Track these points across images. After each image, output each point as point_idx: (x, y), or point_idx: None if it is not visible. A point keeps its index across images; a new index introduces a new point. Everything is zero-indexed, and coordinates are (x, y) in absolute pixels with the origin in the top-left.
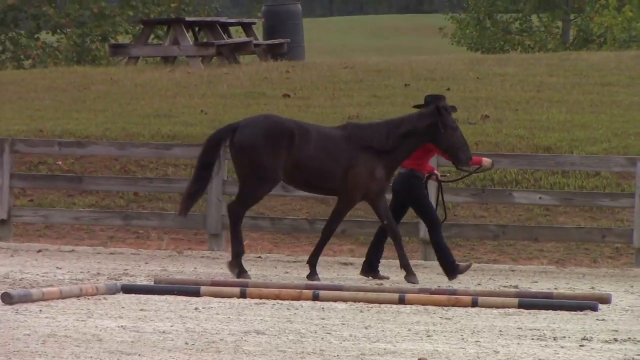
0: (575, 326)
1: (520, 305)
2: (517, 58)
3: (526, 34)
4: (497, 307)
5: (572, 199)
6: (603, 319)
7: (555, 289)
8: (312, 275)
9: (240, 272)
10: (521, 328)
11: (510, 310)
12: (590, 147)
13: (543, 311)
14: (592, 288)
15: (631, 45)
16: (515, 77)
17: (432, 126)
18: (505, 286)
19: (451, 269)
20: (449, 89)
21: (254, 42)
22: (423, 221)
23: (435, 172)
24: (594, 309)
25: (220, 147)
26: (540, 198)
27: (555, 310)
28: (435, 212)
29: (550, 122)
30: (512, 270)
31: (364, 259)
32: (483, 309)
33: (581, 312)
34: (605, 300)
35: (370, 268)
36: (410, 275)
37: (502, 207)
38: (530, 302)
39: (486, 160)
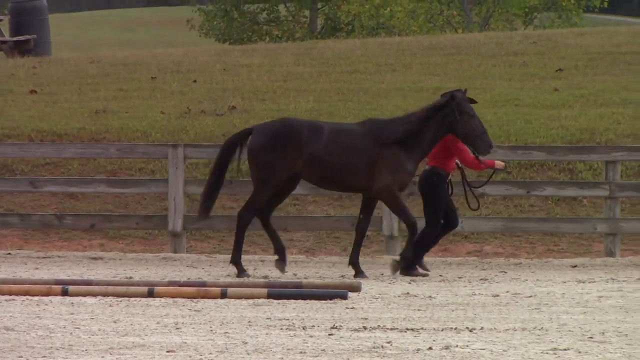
0: (325, 315)
1: (270, 296)
2: (264, 48)
3: (274, 24)
4: (246, 297)
5: (320, 188)
6: (353, 307)
7: (305, 278)
8: (360, 273)
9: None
10: (270, 318)
11: (260, 300)
12: None
13: (293, 301)
14: (342, 276)
15: (379, 32)
16: (262, 68)
17: (449, 114)
18: (255, 277)
19: (408, 266)
20: (195, 81)
21: (0, 39)
22: (426, 217)
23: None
24: (344, 297)
25: (235, 149)
26: None
27: (305, 299)
28: (441, 217)
29: (298, 111)
30: (262, 261)
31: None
32: (233, 300)
33: (331, 301)
34: (356, 288)
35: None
36: (402, 266)
37: None
38: (280, 292)
39: (499, 163)
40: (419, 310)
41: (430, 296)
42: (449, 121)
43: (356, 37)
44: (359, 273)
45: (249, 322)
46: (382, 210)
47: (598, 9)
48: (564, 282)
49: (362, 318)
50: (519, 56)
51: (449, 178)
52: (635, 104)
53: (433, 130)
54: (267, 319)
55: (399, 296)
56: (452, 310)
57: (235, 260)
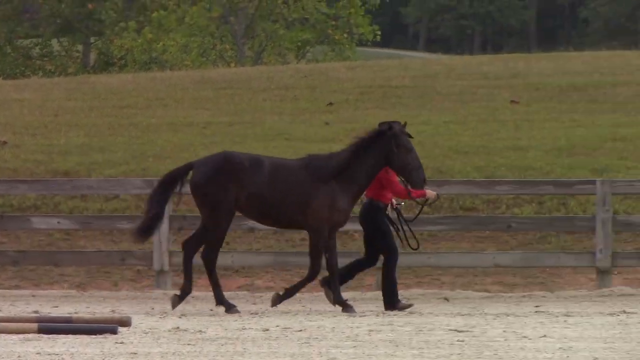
0: (95, 350)
1: (40, 330)
2: (36, 83)
3: (47, 58)
4: (16, 332)
5: (91, 223)
6: (122, 342)
7: (75, 313)
8: (348, 308)
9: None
10: (40, 353)
11: (30, 335)
12: (109, 169)
13: (63, 336)
14: (113, 311)
15: (152, 66)
16: (33, 102)
17: (386, 146)
18: (25, 312)
19: (391, 302)
20: None
21: None
22: (380, 250)
23: (393, 200)
24: (114, 332)
25: (175, 185)
26: (59, 222)
27: (75, 334)
28: (394, 243)
29: (69, 146)
30: (33, 296)
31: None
32: (2, 334)
33: (101, 336)
34: (125, 323)
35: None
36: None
37: (22, 232)
38: (50, 326)
39: (430, 193)
40: (188, 344)
41: (200, 330)
42: (385, 153)
43: (129, 71)
44: (346, 308)
45: (19, 356)
46: (152, 244)
47: (371, 43)
48: (335, 316)
49: (131, 353)
50: (290, 90)
51: (387, 211)
52: None
53: (371, 164)
54: (37, 354)
55: (169, 331)
56: (222, 345)
57: (221, 301)
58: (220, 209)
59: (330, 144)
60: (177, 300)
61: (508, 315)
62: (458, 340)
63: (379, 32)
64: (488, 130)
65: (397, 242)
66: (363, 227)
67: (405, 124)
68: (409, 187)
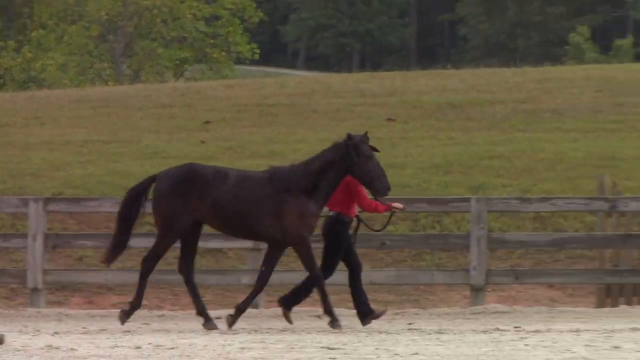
0: None
1: None
2: None
3: None
4: None
5: None
6: None
7: None
8: (334, 322)
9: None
10: None
11: None
12: None
13: None
14: None
15: (30, 85)
16: None
17: (346, 155)
18: None
19: (365, 314)
20: None
21: None
22: (322, 260)
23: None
24: None
25: (140, 200)
26: None
27: None
28: (357, 257)
29: None
30: None
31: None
32: None
33: None
34: None
35: (285, 303)
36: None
37: None
38: None
39: (397, 205)
40: None
41: (72, 348)
42: (347, 163)
43: (7, 90)
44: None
45: None
46: (26, 263)
47: (250, 61)
48: (207, 334)
49: None
50: (167, 108)
51: (352, 224)
52: (280, 155)
53: (333, 175)
54: None
55: (41, 348)
56: None
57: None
58: (173, 221)
59: (207, 161)
60: (208, 321)
61: (380, 333)
62: (329, 358)
63: (258, 51)
64: None
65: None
66: (325, 239)
67: (366, 133)
68: (373, 196)
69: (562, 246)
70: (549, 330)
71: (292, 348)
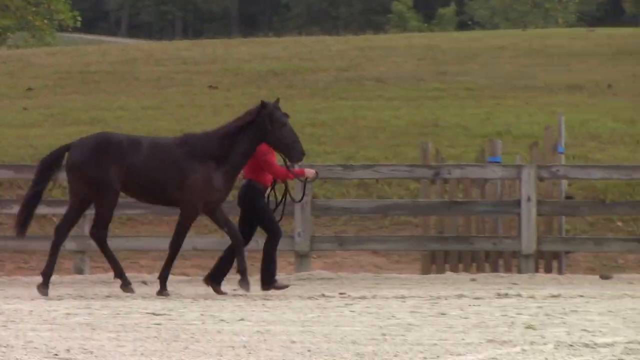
0: None
1: None
2: None
3: None
4: None
5: None
6: None
7: None
8: (162, 290)
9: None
10: None
11: None
12: None
13: None
14: None
15: None
16: None
17: (260, 122)
18: None
19: (268, 281)
20: None
21: None
22: (264, 230)
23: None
24: None
25: (53, 169)
26: None
27: None
28: (277, 224)
29: None
30: None
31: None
32: None
33: None
34: None
35: (213, 279)
36: (243, 282)
37: None
38: None
39: (309, 171)
40: None
41: None
42: (260, 130)
43: None
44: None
45: None
46: None
47: (72, 29)
48: (32, 300)
49: None
50: None
51: (267, 192)
52: (103, 122)
53: (247, 142)
54: None
55: None
56: None
57: (120, 275)
58: (106, 187)
59: (28, 129)
60: (43, 287)
61: (206, 299)
62: (155, 324)
63: (80, 18)
64: (186, 115)
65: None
66: (241, 208)
67: (278, 100)
68: (288, 162)
69: (386, 213)
70: (374, 297)
71: (117, 314)
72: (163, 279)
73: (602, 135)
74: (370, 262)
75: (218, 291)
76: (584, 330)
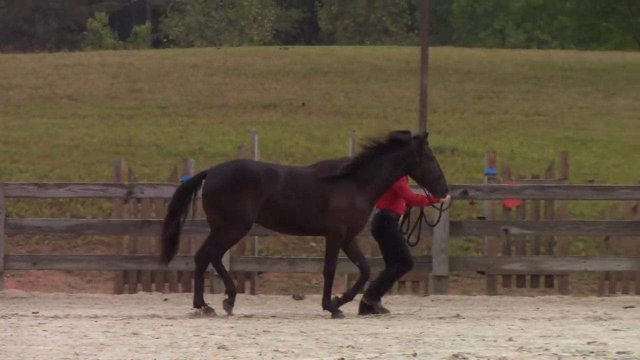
0: None
1: None
2: None
3: None
4: None
5: None
6: None
7: None
8: (337, 313)
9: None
10: None
11: None
12: None
13: None
14: None
15: None
16: None
17: (409, 155)
18: None
19: (373, 297)
20: None
21: None
22: (393, 259)
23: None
24: None
25: (190, 196)
26: None
27: None
28: (410, 254)
29: None
30: None
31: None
32: None
33: None
34: None
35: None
36: (335, 308)
37: None
38: None
39: (446, 197)
40: None
41: None
42: (407, 161)
43: None
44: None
45: None
46: None
47: None
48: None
49: None
50: None
51: (402, 218)
52: None
53: (390, 169)
54: None
55: None
56: None
57: (198, 302)
58: (239, 217)
59: None
60: (228, 304)
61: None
62: None
63: None
64: None
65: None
66: (376, 239)
67: (427, 134)
68: (431, 195)
69: (80, 232)
70: (67, 316)
71: None
72: (329, 308)
73: (296, 154)
74: (64, 282)
75: (382, 309)
76: (276, 350)
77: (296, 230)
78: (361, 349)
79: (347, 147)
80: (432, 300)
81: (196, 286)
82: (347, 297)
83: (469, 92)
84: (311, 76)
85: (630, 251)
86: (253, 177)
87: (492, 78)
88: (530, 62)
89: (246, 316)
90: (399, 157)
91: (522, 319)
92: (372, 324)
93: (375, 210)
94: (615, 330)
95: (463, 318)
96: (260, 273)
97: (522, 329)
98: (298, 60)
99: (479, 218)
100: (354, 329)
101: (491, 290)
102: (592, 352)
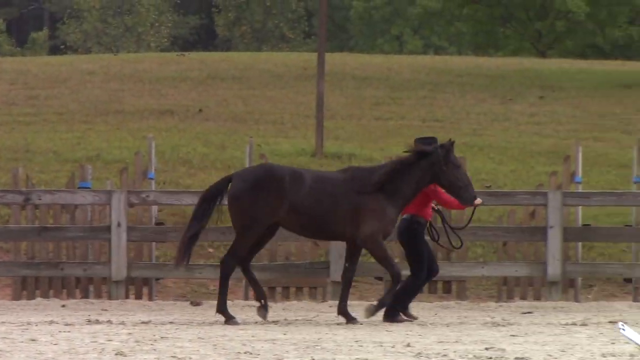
0: None
1: None
2: None
3: None
4: None
5: None
6: None
7: None
8: (351, 319)
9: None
10: None
11: None
12: None
13: None
14: None
15: None
16: None
17: (435, 163)
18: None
19: (390, 313)
20: None
21: None
22: (410, 265)
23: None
24: None
25: (216, 201)
26: None
27: None
28: (425, 263)
29: None
30: None
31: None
32: None
33: None
34: None
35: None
36: (372, 309)
37: None
38: None
39: (477, 200)
40: None
41: None
42: (434, 170)
43: None
44: (350, 320)
45: None
46: None
47: None
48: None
49: None
50: None
51: (428, 224)
52: None
53: (417, 178)
54: None
55: None
56: None
57: (222, 309)
58: (253, 222)
59: None
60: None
61: None
62: None
63: None
64: None
65: (443, 241)
66: (403, 243)
67: (454, 142)
68: (461, 203)
69: None
70: None
71: None
72: (344, 313)
73: (193, 160)
74: None
75: (410, 316)
76: (174, 356)
77: (320, 235)
78: (259, 355)
79: (244, 154)
80: (330, 306)
81: (220, 292)
82: (384, 304)
83: (367, 98)
84: (208, 82)
85: (528, 257)
86: (279, 180)
87: (389, 84)
88: (428, 68)
89: (144, 322)
90: (426, 167)
91: (420, 324)
92: (269, 330)
93: (404, 216)
94: (513, 335)
95: (361, 324)
96: (158, 279)
97: (420, 335)
98: (195, 66)
99: None
100: (251, 335)
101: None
102: (490, 358)
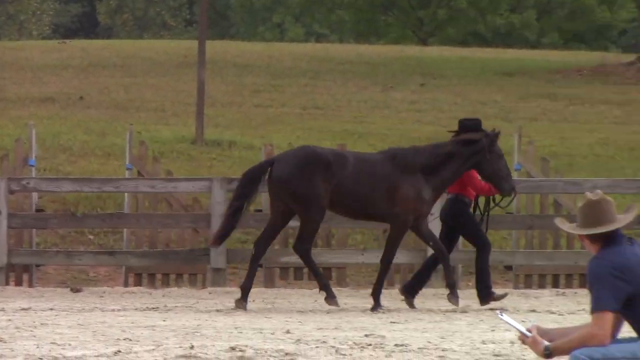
0: None
1: None
2: None
3: None
4: None
5: None
6: None
7: None
8: (377, 307)
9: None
10: None
11: None
12: None
13: None
14: None
15: None
16: None
17: (479, 151)
18: None
19: (485, 295)
20: None
21: None
22: (472, 245)
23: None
24: None
25: (258, 183)
26: None
27: None
28: (485, 236)
29: None
30: None
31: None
32: None
33: None
34: None
35: (408, 290)
36: (452, 296)
37: None
38: None
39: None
40: None
41: None
42: (477, 159)
43: None
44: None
45: None
46: None
47: None
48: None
49: None
50: None
51: (472, 203)
52: None
53: (459, 164)
54: None
55: None
56: None
57: (326, 288)
58: (314, 202)
59: None
60: (241, 301)
61: None
62: None
63: None
64: None
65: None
66: (446, 223)
67: (499, 132)
68: (500, 193)
69: None
70: None
71: None
72: (376, 297)
73: (73, 148)
74: None
75: (410, 304)
76: (54, 343)
77: (363, 215)
78: (138, 341)
79: (124, 141)
80: (210, 293)
81: (249, 272)
82: (451, 285)
83: (247, 85)
84: (90, 70)
85: (409, 244)
86: (324, 161)
87: (270, 72)
88: (309, 56)
89: (24, 309)
90: (470, 154)
91: (299, 311)
92: (149, 317)
93: (449, 195)
94: (393, 322)
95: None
96: (38, 266)
97: (299, 322)
98: (77, 54)
99: (257, 211)
100: (131, 321)
101: (269, 283)
102: (370, 345)
